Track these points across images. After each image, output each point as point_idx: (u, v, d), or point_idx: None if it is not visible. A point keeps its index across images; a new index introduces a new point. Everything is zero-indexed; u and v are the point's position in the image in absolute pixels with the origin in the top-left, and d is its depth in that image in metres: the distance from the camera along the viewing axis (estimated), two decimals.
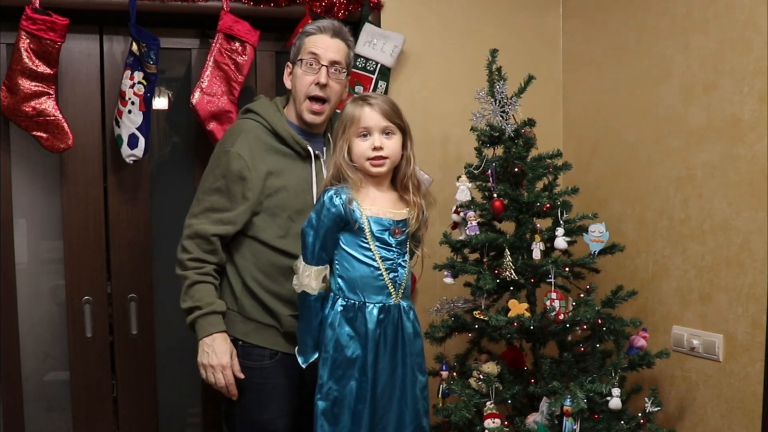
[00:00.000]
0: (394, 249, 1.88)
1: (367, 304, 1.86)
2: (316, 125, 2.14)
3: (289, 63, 2.18)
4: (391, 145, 1.87)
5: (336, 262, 1.89)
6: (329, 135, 2.19)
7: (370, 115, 1.86)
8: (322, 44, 2.09)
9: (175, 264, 2.09)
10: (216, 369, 1.99)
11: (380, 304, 1.87)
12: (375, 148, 1.85)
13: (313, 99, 2.09)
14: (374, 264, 1.86)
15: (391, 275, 1.88)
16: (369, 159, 1.86)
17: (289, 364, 2.06)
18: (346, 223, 1.86)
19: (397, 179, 1.93)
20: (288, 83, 2.17)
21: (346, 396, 1.85)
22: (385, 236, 1.87)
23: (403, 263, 1.90)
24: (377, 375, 1.86)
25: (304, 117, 2.12)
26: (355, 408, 1.86)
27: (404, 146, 1.92)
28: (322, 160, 2.15)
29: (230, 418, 2.12)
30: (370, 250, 1.86)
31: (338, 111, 2.59)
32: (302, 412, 2.10)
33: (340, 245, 1.89)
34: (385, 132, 1.87)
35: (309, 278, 1.87)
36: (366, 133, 1.87)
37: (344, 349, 1.86)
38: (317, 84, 2.08)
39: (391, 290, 1.88)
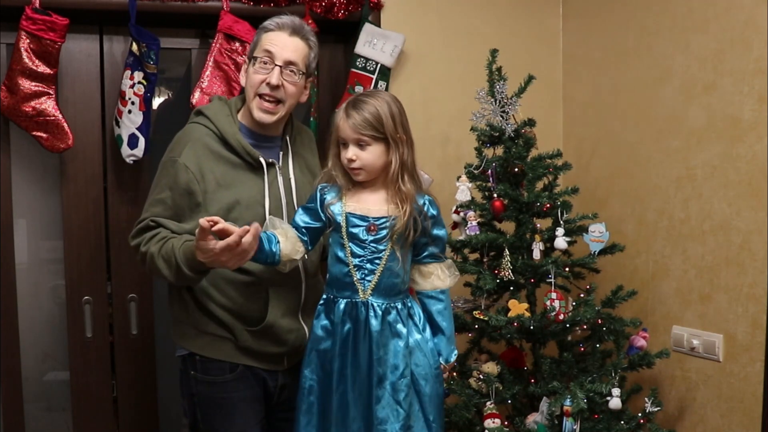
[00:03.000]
0: (367, 246, 1.88)
1: (337, 299, 1.90)
2: (268, 125, 2.00)
3: (246, 58, 2.04)
4: (366, 156, 1.87)
5: (328, 257, 1.95)
6: (288, 138, 2.09)
7: (344, 127, 1.87)
8: (279, 42, 1.96)
9: (142, 267, 1.99)
10: (207, 253, 1.74)
11: (347, 300, 1.89)
12: (348, 159, 1.87)
13: (264, 97, 1.96)
14: (345, 260, 1.88)
15: (359, 273, 1.88)
16: (348, 168, 1.89)
17: (251, 376, 2.01)
18: (332, 223, 1.91)
19: (388, 181, 1.91)
20: (243, 81, 2.03)
21: (318, 386, 1.90)
22: (359, 232, 1.88)
23: (376, 261, 1.88)
24: (346, 370, 1.87)
25: (253, 115, 1.98)
26: (323, 399, 1.89)
27: (391, 152, 1.89)
28: (277, 167, 2.03)
29: None
30: (344, 246, 1.89)
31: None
32: (269, 422, 2.08)
33: (330, 243, 1.94)
34: (359, 144, 1.87)
35: (277, 223, 1.91)
36: (344, 143, 1.88)
37: (319, 340, 1.91)
38: (268, 84, 1.94)
39: (358, 287, 1.88)
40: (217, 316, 1.98)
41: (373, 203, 1.90)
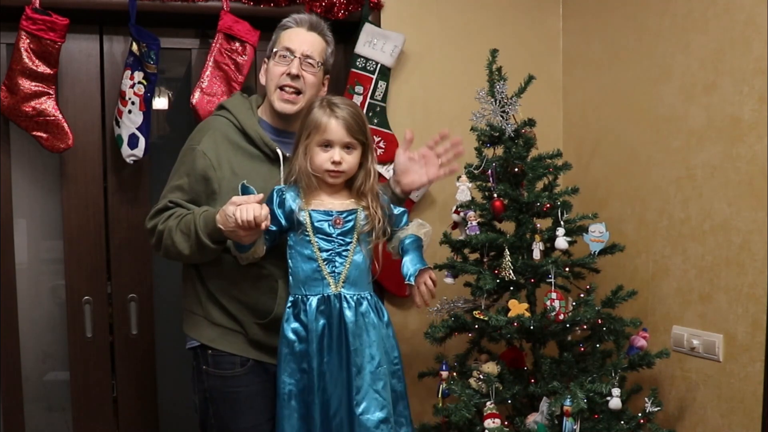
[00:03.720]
0: (334, 239, 1.90)
1: (308, 297, 1.90)
2: (289, 116, 2.05)
3: (265, 59, 2.12)
4: (350, 160, 1.91)
5: (289, 259, 1.94)
6: None
7: (335, 129, 1.88)
8: (297, 38, 2.05)
9: (156, 250, 2.02)
10: (237, 204, 1.79)
11: (319, 296, 1.89)
12: (334, 162, 1.88)
13: (285, 88, 2.03)
14: (314, 256, 1.89)
15: (329, 266, 1.89)
16: (327, 170, 1.90)
17: (262, 371, 2.04)
18: (292, 224, 1.91)
19: (353, 187, 1.95)
20: (263, 79, 2.10)
21: (298, 389, 1.89)
22: (325, 226, 1.89)
23: (344, 253, 1.90)
24: (324, 367, 1.87)
25: (275, 106, 2.04)
26: (307, 400, 1.89)
27: (364, 158, 1.94)
28: None
29: (206, 429, 2.08)
30: (311, 243, 1.89)
31: None
32: None
33: (290, 244, 1.93)
34: (346, 146, 1.90)
35: None
36: (328, 145, 1.89)
37: (292, 343, 1.90)
38: (288, 74, 2.02)
39: (329, 280, 1.89)
40: (228, 309, 2.02)
41: (335, 200, 1.94)
